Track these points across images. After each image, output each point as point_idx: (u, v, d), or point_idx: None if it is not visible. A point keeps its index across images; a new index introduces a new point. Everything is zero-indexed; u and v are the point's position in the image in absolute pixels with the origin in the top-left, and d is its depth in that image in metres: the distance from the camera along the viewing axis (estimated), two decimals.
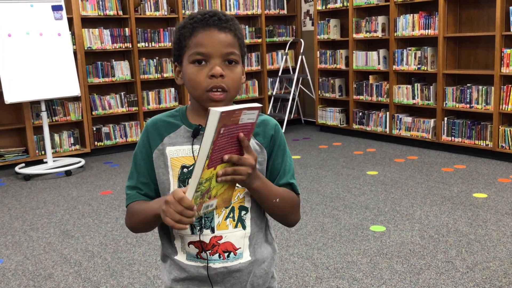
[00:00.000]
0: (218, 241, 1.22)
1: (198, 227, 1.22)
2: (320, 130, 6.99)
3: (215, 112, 0.96)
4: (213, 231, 1.21)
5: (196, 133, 1.22)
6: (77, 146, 5.90)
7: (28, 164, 5.45)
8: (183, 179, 1.22)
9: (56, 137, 5.74)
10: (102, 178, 5.01)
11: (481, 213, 3.60)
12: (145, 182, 1.26)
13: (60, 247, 3.34)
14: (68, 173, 5.15)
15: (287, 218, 1.29)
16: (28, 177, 5.04)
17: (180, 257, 1.26)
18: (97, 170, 5.35)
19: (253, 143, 1.25)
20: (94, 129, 5.97)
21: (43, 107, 5.20)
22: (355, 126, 6.45)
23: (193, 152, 1.21)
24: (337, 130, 6.74)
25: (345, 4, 6.38)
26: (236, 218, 1.23)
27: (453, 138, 5.37)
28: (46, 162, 5.30)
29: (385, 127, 6.08)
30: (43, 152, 5.60)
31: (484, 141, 5.10)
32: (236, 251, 1.24)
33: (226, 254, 1.23)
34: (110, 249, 3.27)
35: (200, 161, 1.01)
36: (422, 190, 4.19)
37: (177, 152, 1.22)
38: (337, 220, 3.59)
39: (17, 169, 5.19)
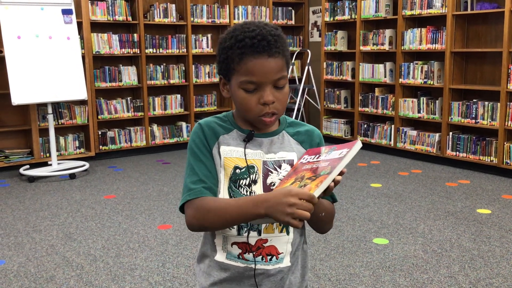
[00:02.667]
0: (264, 244, 1.23)
1: (246, 229, 1.22)
2: (324, 141, 6.97)
3: (359, 143, 1.13)
4: (259, 233, 1.23)
5: (250, 138, 1.25)
6: (82, 150, 5.91)
7: (33, 166, 5.47)
8: (235, 179, 1.23)
9: (62, 140, 5.76)
10: (106, 182, 5.02)
11: (484, 229, 3.59)
12: (210, 175, 1.23)
13: (62, 249, 3.35)
14: (72, 176, 5.16)
15: (325, 228, 1.32)
16: (32, 179, 5.06)
17: (220, 257, 1.26)
18: (101, 174, 5.36)
19: (300, 150, 1.30)
20: (100, 133, 5.99)
21: (50, 110, 5.23)
22: (360, 138, 6.45)
23: (245, 155, 1.24)
24: (341, 141, 6.74)
25: (353, 16, 6.41)
26: None
27: (457, 153, 5.36)
28: (50, 165, 5.31)
29: (390, 140, 6.08)
30: (48, 155, 5.62)
31: (489, 157, 5.09)
32: (279, 256, 1.25)
33: (269, 258, 1.24)
34: (112, 253, 3.27)
35: (333, 174, 1.09)
36: (425, 204, 4.18)
37: (231, 153, 1.24)
38: (340, 232, 3.58)
39: (21, 170, 5.20)
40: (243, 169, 1.23)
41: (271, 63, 1.18)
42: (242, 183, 1.23)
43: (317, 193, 1.08)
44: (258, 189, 1.24)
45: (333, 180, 1.09)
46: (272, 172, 1.25)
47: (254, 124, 1.25)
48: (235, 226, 1.23)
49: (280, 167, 1.26)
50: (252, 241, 1.23)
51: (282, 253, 1.26)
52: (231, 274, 1.25)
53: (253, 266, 1.23)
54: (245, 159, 1.23)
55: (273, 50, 1.17)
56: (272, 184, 1.24)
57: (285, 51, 1.21)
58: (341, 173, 1.11)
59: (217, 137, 1.26)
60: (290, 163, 1.26)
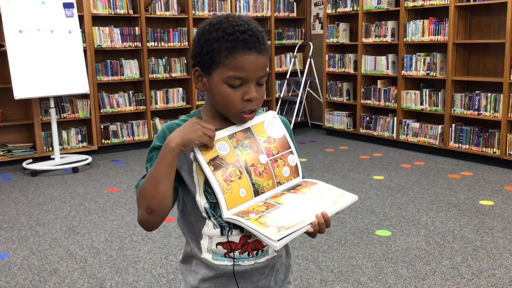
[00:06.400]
0: (248, 240, 1.23)
1: (228, 228, 1.22)
2: (326, 134, 6.98)
3: (354, 198, 1.21)
4: (242, 230, 1.22)
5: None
6: (85, 144, 5.92)
7: (36, 160, 5.48)
8: (209, 182, 1.22)
9: (64, 134, 5.77)
10: (108, 175, 5.03)
11: (487, 221, 3.59)
12: None
13: (66, 243, 3.36)
14: (75, 170, 5.18)
15: None
16: (35, 173, 5.07)
17: (206, 257, 1.25)
18: (103, 167, 5.37)
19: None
20: (102, 127, 5.99)
21: (52, 104, 5.23)
22: (362, 131, 6.44)
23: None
24: (343, 134, 6.74)
25: (355, 8, 6.38)
26: None
27: (460, 145, 5.35)
28: (53, 159, 5.32)
29: (392, 132, 6.07)
30: (50, 149, 5.63)
31: (492, 149, 5.08)
32: (263, 248, 1.26)
33: (254, 252, 1.24)
34: (116, 246, 3.29)
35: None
36: (428, 196, 4.18)
37: None
38: (343, 224, 3.58)
39: (24, 164, 5.22)
40: None
41: (260, 60, 1.17)
42: None
43: (298, 226, 1.13)
44: None
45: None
46: None
47: (232, 120, 1.23)
48: (217, 226, 1.21)
49: None
50: (236, 239, 1.22)
51: (267, 245, 1.25)
52: (219, 272, 1.25)
53: (240, 263, 1.24)
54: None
55: (262, 47, 1.17)
56: None
57: (269, 49, 1.23)
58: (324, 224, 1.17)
59: None
60: None
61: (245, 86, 1.17)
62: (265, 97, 7.05)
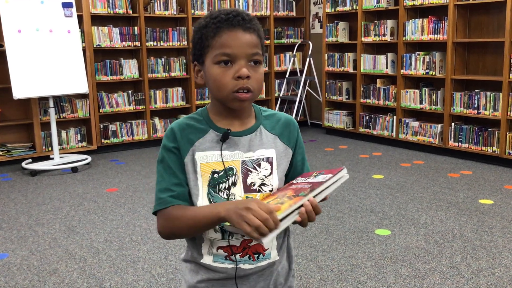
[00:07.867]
0: (249, 244, 1.23)
1: (228, 232, 1.21)
2: (326, 133, 6.98)
3: (345, 171, 1.18)
4: (243, 234, 1.20)
5: (225, 138, 1.22)
6: (84, 143, 5.92)
7: (35, 160, 5.48)
8: (214, 184, 1.21)
9: (63, 133, 5.76)
10: (108, 175, 5.03)
11: (487, 219, 3.59)
12: (178, 183, 1.21)
13: (65, 243, 3.36)
14: (74, 169, 5.17)
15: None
16: (34, 173, 5.07)
17: (207, 259, 1.25)
18: (103, 167, 5.36)
19: (278, 144, 1.28)
20: (101, 126, 5.99)
21: (51, 104, 5.23)
22: (362, 130, 6.44)
23: (222, 158, 1.21)
24: (343, 133, 6.74)
25: (354, 7, 6.38)
26: None
27: (460, 143, 5.35)
28: (52, 158, 5.32)
29: (392, 131, 6.07)
30: (50, 148, 5.63)
31: (491, 148, 5.08)
32: (265, 252, 1.25)
33: (256, 256, 1.24)
34: (115, 246, 3.28)
35: (308, 196, 1.08)
36: (427, 195, 4.18)
37: (207, 158, 1.21)
38: (342, 223, 3.58)
39: (23, 164, 5.22)
40: (221, 173, 1.21)
41: (246, 36, 1.17)
42: (221, 187, 1.21)
43: (284, 213, 1.05)
44: (238, 190, 1.21)
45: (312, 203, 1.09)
46: (251, 172, 1.22)
47: (227, 104, 1.21)
48: (219, 230, 1.21)
49: (259, 165, 1.24)
50: (237, 242, 1.22)
51: (268, 248, 1.25)
52: (219, 274, 1.25)
53: (240, 266, 1.23)
54: (222, 161, 1.21)
55: (247, 25, 1.18)
56: (253, 184, 1.22)
57: (260, 32, 1.22)
58: (323, 199, 1.12)
59: (192, 144, 1.22)
60: (269, 160, 1.25)
61: (235, 65, 1.17)
62: (265, 96, 7.10)
